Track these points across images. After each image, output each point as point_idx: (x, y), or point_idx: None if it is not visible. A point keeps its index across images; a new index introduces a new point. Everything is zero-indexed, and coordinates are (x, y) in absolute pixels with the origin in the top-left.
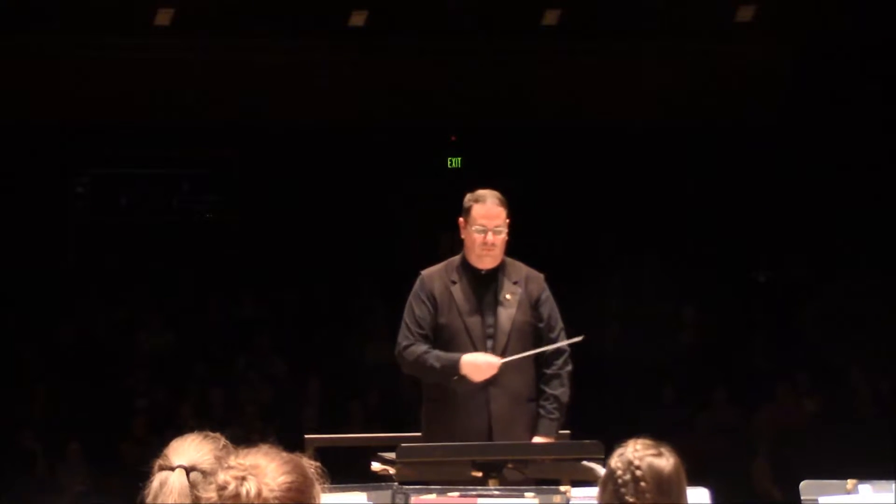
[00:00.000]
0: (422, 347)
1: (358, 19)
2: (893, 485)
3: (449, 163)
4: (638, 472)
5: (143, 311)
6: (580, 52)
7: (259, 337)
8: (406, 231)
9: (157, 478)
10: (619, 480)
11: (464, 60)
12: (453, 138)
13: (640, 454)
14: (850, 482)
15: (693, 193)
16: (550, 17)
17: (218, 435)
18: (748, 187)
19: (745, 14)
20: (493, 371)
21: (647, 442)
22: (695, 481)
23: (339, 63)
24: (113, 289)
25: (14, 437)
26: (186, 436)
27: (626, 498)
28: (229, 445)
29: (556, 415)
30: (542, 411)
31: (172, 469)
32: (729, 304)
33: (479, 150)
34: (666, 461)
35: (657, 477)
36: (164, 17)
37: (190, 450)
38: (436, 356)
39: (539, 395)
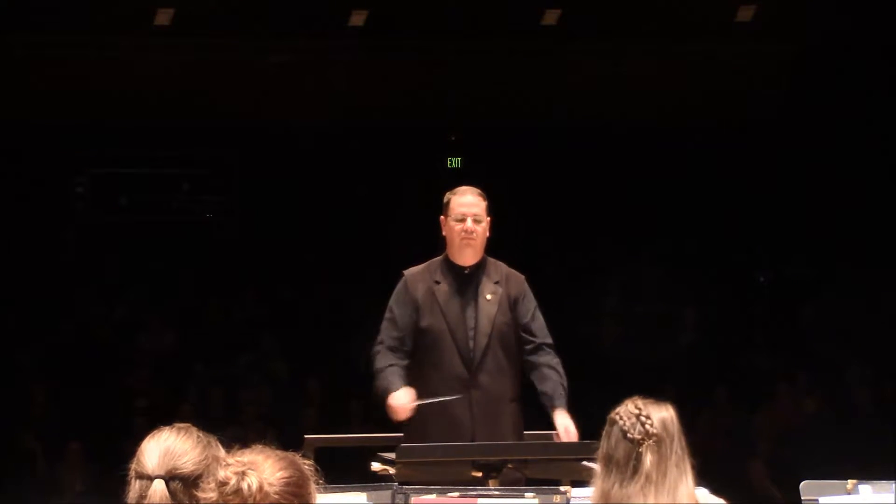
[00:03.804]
0: (385, 361)
1: (358, 19)
2: (893, 485)
3: (449, 163)
4: (642, 413)
5: (143, 311)
6: (580, 52)
7: (259, 337)
8: (406, 231)
9: (137, 486)
10: (626, 424)
11: (464, 60)
12: (453, 138)
13: (640, 403)
14: (850, 482)
15: (693, 193)
16: (550, 17)
17: (189, 425)
18: (748, 187)
19: (745, 14)
20: (402, 414)
21: (642, 397)
22: (695, 481)
23: (339, 63)
24: (113, 289)
25: (14, 437)
26: (159, 433)
27: (634, 436)
28: (202, 437)
29: (563, 390)
30: (549, 388)
31: (151, 478)
32: (729, 304)
33: (479, 150)
34: (665, 409)
35: (661, 418)
36: (164, 17)
37: (166, 455)
38: (382, 379)
39: (539, 379)
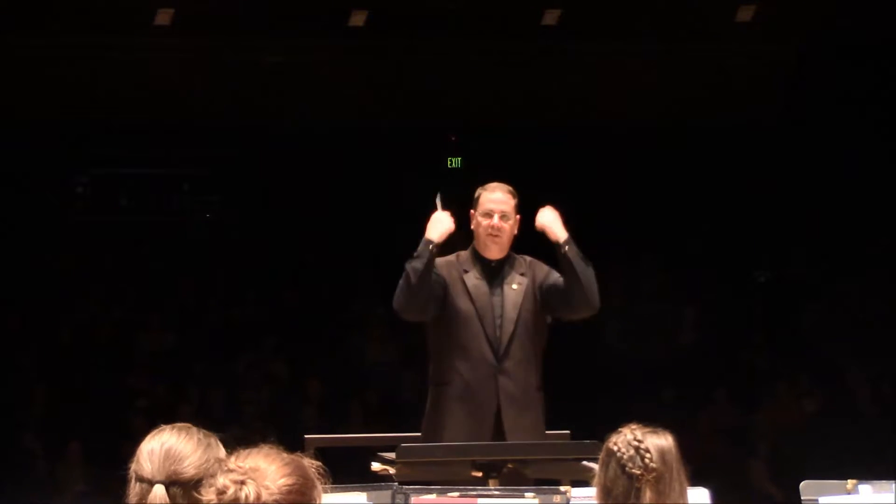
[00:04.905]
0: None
1: (358, 19)
2: (893, 485)
3: (449, 163)
4: (641, 446)
5: (143, 311)
6: (580, 52)
7: (259, 337)
8: (406, 231)
9: (137, 488)
10: (624, 457)
11: (464, 60)
12: (453, 138)
13: (638, 433)
14: (850, 482)
15: (693, 193)
16: (550, 17)
17: (189, 425)
18: (748, 187)
19: (745, 14)
20: (444, 217)
21: (640, 425)
22: (695, 481)
23: (339, 63)
24: (113, 289)
25: (14, 437)
26: (160, 433)
27: (633, 471)
28: (203, 438)
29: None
30: None
31: (151, 483)
32: (729, 304)
33: (479, 150)
34: (664, 438)
35: (659, 449)
36: (164, 17)
37: (166, 459)
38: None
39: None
